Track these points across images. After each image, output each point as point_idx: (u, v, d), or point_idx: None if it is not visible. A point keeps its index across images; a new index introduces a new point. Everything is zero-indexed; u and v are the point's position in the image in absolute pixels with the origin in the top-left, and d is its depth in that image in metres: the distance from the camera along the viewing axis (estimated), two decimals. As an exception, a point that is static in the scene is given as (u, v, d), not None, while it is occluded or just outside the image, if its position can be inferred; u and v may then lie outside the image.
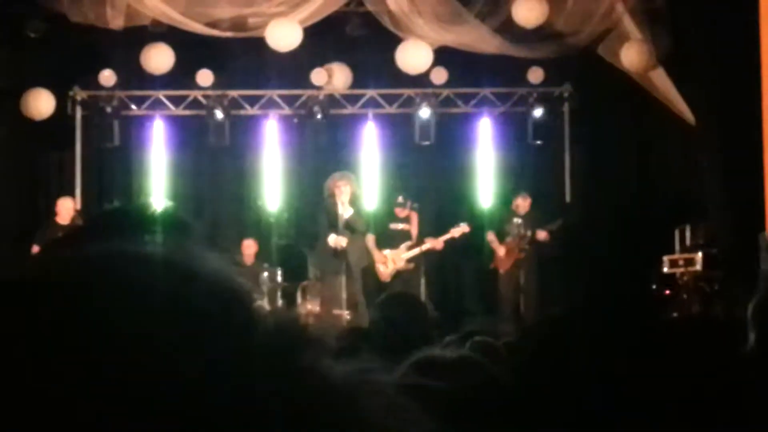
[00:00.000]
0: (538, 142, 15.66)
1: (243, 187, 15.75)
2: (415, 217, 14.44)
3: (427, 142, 15.54)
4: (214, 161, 15.80)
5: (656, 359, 2.29)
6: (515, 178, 15.32)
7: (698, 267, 13.19)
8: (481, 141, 15.80)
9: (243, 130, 15.66)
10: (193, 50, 14.88)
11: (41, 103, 14.79)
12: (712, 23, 13.26)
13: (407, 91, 15.58)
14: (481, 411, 2.28)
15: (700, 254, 13.25)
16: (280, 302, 14.07)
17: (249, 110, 15.77)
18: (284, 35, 14.04)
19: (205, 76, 15.28)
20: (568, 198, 15.74)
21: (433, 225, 14.56)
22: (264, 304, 13.41)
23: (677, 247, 13.84)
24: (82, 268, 0.89)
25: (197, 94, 15.51)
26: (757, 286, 11.13)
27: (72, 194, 14.80)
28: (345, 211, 13.27)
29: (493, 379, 2.20)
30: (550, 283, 14.25)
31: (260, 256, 14.64)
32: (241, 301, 0.90)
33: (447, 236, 14.22)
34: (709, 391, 2.40)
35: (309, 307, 14.10)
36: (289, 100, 15.70)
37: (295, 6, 14.12)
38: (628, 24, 14.35)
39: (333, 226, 13.32)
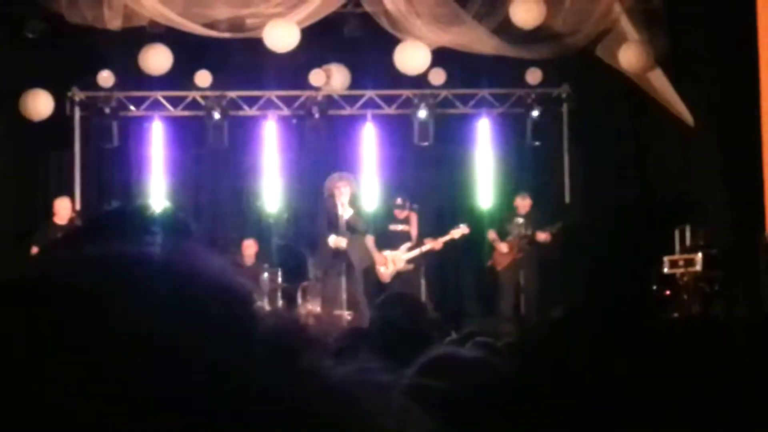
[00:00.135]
0: (537, 142, 15.65)
1: (242, 188, 15.75)
2: (414, 218, 14.45)
3: (425, 143, 15.54)
4: (213, 162, 15.80)
5: (656, 359, 2.28)
6: (514, 178, 15.31)
7: (698, 267, 13.18)
8: (480, 142, 15.80)
9: (241, 131, 15.65)
10: (191, 51, 14.88)
11: (40, 104, 14.79)
12: (710, 23, 13.27)
13: (406, 92, 15.58)
14: (481, 412, 2.28)
15: (700, 255, 13.25)
16: (280, 303, 14.07)
17: (247, 111, 15.77)
18: (282, 36, 14.04)
19: (203, 77, 15.28)
20: (567, 199, 15.74)
21: (433, 226, 14.57)
22: (264, 304, 13.41)
23: (677, 247, 13.84)
24: (80, 269, 0.89)
25: (196, 94, 15.51)
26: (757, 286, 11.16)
27: (71, 195, 14.79)
28: (345, 212, 13.27)
29: (503, 380, 2.19)
30: (550, 284, 14.25)
31: (260, 256, 14.64)
32: (242, 302, 0.90)
33: (446, 237, 14.22)
34: (709, 392, 2.39)
35: (309, 307, 14.10)
36: (288, 101, 15.70)
37: (292, 7, 14.12)
38: (626, 25, 14.35)
39: (333, 226, 13.32)
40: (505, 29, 14.30)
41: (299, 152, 15.67)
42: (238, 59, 15.32)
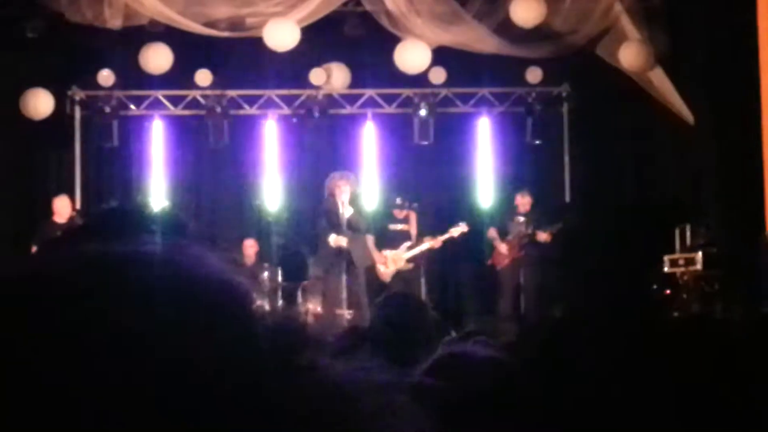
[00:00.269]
0: (537, 141, 15.66)
1: (242, 187, 15.75)
2: (413, 217, 14.45)
3: (425, 142, 15.54)
4: (213, 161, 15.81)
5: (657, 359, 2.28)
6: (514, 177, 15.31)
7: (698, 266, 13.18)
8: (480, 141, 15.81)
9: (242, 130, 15.65)
10: (191, 50, 14.88)
11: (40, 103, 14.79)
12: (711, 22, 13.27)
13: (406, 91, 15.58)
14: (479, 411, 2.28)
15: (700, 254, 13.25)
16: (280, 302, 14.07)
17: (248, 110, 15.77)
18: (282, 35, 14.04)
19: (203, 76, 15.27)
20: (567, 197, 15.74)
21: (433, 224, 14.56)
22: (264, 303, 13.38)
23: (677, 246, 13.83)
24: (77, 268, 0.88)
25: (196, 93, 15.51)
26: (757, 285, 11.16)
27: (71, 194, 14.79)
28: (345, 211, 13.26)
29: (510, 380, 2.20)
30: (550, 283, 14.24)
31: (261, 255, 14.64)
32: (241, 301, 0.90)
33: (446, 236, 14.22)
34: (709, 390, 2.39)
35: (310, 306, 14.11)
36: (288, 100, 15.70)
37: (293, 6, 14.12)
38: (626, 24, 14.35)
39: (334, 226, 13.30)
40: (506, 28, 14.30)
41: (299, 151, 15.67)
42: (239, 58, 15.32)
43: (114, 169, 15.67)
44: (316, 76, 15.21)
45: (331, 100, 15.58)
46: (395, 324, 4.68)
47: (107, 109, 15.20)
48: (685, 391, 2.29)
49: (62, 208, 13.96)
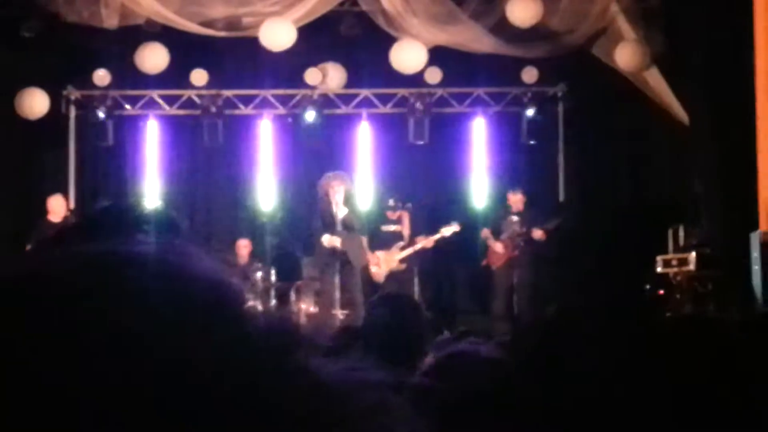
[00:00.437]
0: (532, 141, 15.67)
1: (237, 187, 15.75)
2: (406, 218, 14.44)
3: (421, 142, 15.54)
4: (208, 161, 15.80)
5: (650, 359, 2.29)
6: (509, 177, 15.30)
7: (692, 267, 13.18)
8: (475, 141, 15.81)
9: (237, 130, 15.65)
10: (187, 50, 14.87)
11: (35, 103, 14.77)
12: (707, 22, 13.27)
13: (401, 91, 15.58)
14: (480, 412, 2.28)
15: (693, 254, 13.24)
16: (273, 302, 14.07)
17: (243, 110, 15.76)
18: (278, 35, 14.03)
19: (199, 76, 15.27)
20: (561, 197, 15.75)
21: (428, 224, 14.56)
22: (257, 303, 13.39)
23: (671, 246, 13.83)
24: (69, 267, 0.89)
25: (191, 93, 15.51)
26: (750, 286, 11.16)
27: (65, 193, 14.77)
28: (340, 211, 13.25)
29: (514, 381, 2.20)
30: (544, 283, 14.24)
31: (254, 255, 14.64)
32: (233, 301, 0.90)
33: (438, 236, 14.22)
34: (704, 392, 2.40)
35: (303, 306, 14.11)
36: (283, 100, 15.70)
37: (289, 6, 14.11)
38: (623, 24, 14.35)
39: (328, 226, 13.29)
40: (502, 28, 14.29)
41: (295, 151, 15.67)
42: (234, 58, 15.32)
43: (109, 168, 15.66)
44: (312, 75, 15.21)
45: (326, 100, 15.58)
46: (388, 324, 4.69)
47: (102, 109, 15.20)
48: (680, 391, 2.29)
49: (57, 207, 13.95)
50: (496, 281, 14.45)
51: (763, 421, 2.45)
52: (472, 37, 14.40)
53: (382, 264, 14.09)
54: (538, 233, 14.25)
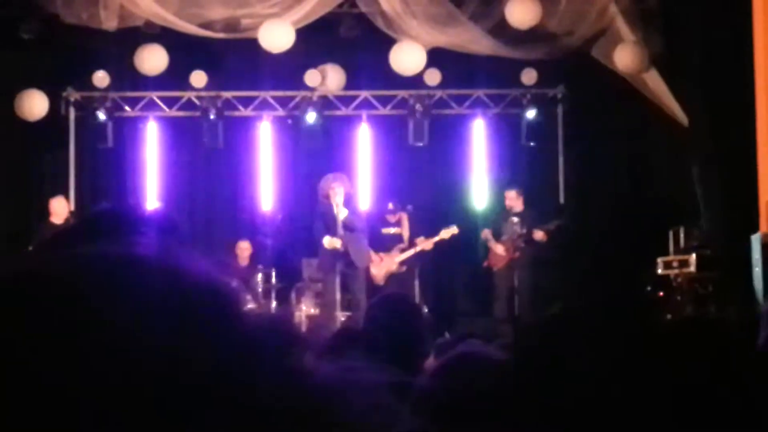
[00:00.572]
0: (532, 143, 15.67)
1: (237, 188, 15.75)
2: (405, 219, 14.45)
3: (420, 144, 15.55)
4: (208, 162, 15.81)
5: (651, 361, 2.28)
6: (508, 179, 15.30)
7: (692, 268, 13.18)
8: (475, 142, 15.81)
9: (236, 132, 15.66)
10: (186, 51, 14.87)
11: (35, 104, 14.78)
12: (706, 24, 13.27)
13: (401, 93, 15.59)
14: (483, 414, 2.28)
15: (694, 256, 13.24)
16: (274, 303, 14.08)
17: (242, 111, 15.77)
18: (277, 36, 14.03)
19: (198, 78, 15.27)
20: (561, 199, 15.75)
21: (428, 226, 14.55)
22: (257, 305, 13.40)
23: (671, 248, 13.83)
24: (68, 268, 0.88)
25: (191, 95, 15.51)
26: (751, 287, 11.15)
27: (65, 195, 14.77)
28: (340, 212, 13.26)
29: (523, 383, 2.20)
30: (544, 284, 14.23)
31: (255, 257, 14.64)
32: (231, 303, 0.90)
33: (437, 238, 14.22)
34: (705, 393, 2.39)
35: (304, 308, 14.11)
36: (283, 102, 15.71)
37: (288, 7, 14.11)
38: (622, 25, 14.35)
39: (330, 227, 13.30)
40: (501, 30, 14.29)
41: (294, 152, 15.68)
42: (234, 60, 15.32)
43: (109, 170, 15.65)
44: (311, 77, 15.21)
45: (326, 102, 15.59)
46: (387, 325, 4.68)
47: (102, 111, 15.20)
48: (681, 392, 2.29)
49: (59, 209, 13.95)
50: (497, 282, 14.45)
51: (763, 423, 2.44)
52: (471, 39, 14.40)
53: (382, 266, 14.09)
54: (539, 234, 14.24)
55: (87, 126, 15.42)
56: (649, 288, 13.57)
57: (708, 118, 13.62)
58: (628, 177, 15.57)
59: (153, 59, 14.83)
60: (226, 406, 0.83)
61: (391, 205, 14.43)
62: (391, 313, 4.85)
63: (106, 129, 15.29)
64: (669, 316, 11.91)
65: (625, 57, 14.22)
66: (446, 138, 15.73)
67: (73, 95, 15.41)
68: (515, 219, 14.41)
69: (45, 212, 14.11)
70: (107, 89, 15.25)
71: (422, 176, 15.73)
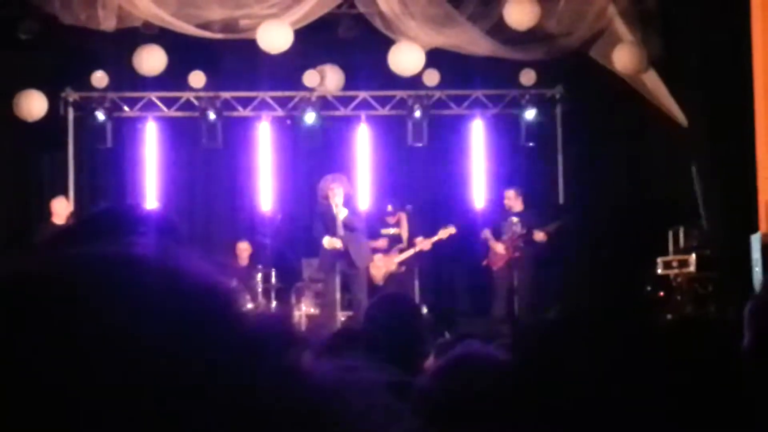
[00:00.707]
0: (531, 143, 15.68)
1: (236, 189, 15.76)
2: (404, 220, 14.46)
3: (419, 144, 15.56)
4: (207, 162, 15.81)
5: (651, 361, 2.28)
6: (507, 179, 15.31)
7: (692, 268, 13.19)
8: (474, 143, 15.82)
9: (235, 132, 15.66)
10: (185, 52, 14.88)
11: (33, 105, 14.78)
12: (704, 24, 13.28)
13: (400, 93, 15.60)
14: (476, 412, 2.28)
15: (693, 256, 13.26)
16: (273, 303, 14.09)
17: (241, 112, 15.77)
18: (275, 37, 14.03)
19: (197, 78, 15.28)
20: (560, 199, 15.75)
21: (426, 226, 14.57)
22: (257, 305, 13.42)
23: (671, 248, 13.84)
24: (66, 269, 0.88)
25: (190, 95, 15.51)
26: (751, 287, 11.16)
27: (65, 195, 14.77)
28: (340, 213, 13.27)
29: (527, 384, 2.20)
30: (544, 285, 14.24)
31: (254, 257, 14.64)
32: (230, 303, 0.90)
33: (435, 238, 14.24)
34: (704, 393, 2.39)
35: (304, 308, 14.13)
36: (282, 102, 15.71)
37: (286, 8, 14.11)
38: (620, 26, 14.36)
39: (330, 228, 13.31)
40: (499, 30, 14.30)
41: (293, 153, 15.68)
42: (232, 60, 15.33)
43: (108, 170, 15.66)
44: (310, 78, 15.22)
45: (324, 102, 15.59)
46: (388, 325, 4.68)
47: (101, 111, 15.20)
48: (681, 392, 2.29)
49: (60, 210, 13.95)
50: (496, 282, 14.45)
51: (763, 423, 2.44)
52: (469, 40, 14.41)
53: (381, 267, 14.11)
54: (539, 235, 14.25)
55: (86, 126, 15.43)
56: (648, 288, 13.58)
57: (707, 119, 13.63)
58: (627, 177, 15.58)
59: (152, 60, 14.84)
60: (225, 407, 0.83)
61: (390, 207, 14.45)
62: (391, 313, 4.85)
63: (105, 129, 15.29)
64: (669, 316, 11.92)
65: (623, 57, 14.23)
66: (445, 138, 15.74)
67: (72, 95, 15.41)
68: (515, 219, 14.42)
69: (44, 212, 14.12)
70: (106, 89, 15.25)
71: (421, 176, 15.74)
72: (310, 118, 15.35)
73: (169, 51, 14.78)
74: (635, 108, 14.70)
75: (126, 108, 15.64)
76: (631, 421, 2.09)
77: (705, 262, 13.14)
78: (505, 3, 14.05)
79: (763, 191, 11.72)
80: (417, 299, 13.46)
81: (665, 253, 13.74)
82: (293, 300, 14.24)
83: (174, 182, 15.58)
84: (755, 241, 11.41)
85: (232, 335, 0.87)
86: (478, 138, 15.82)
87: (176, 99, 15.62)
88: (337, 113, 15.78)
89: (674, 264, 13.39)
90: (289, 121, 15.69)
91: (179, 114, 15.70)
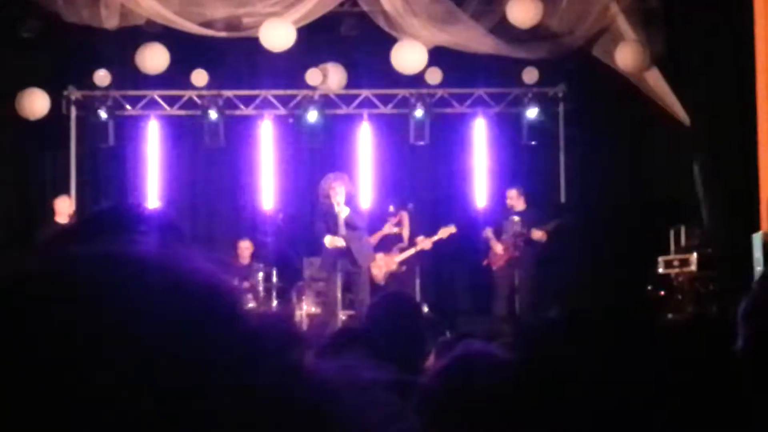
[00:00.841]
0: (533, 142, 15.67)
1: (238, 187, 15.75)
2: (406, 219, 14.46)
3: (421, 143, 15.56)
4: (209, 161, 15.81)
5: (652, 360, 2.28)
6: (509, 178, 15.30)
7: (693, 267, 13.18)
8: (476, 141, 15.82)
9: (238, 130, 15.66)
10: (187, 50, 14.88)
11: (36, 103, 14.78)
12: (707, 23, 13.28)
13: (402, 92, 15.59)
14: (480, 412, 2.28)
15: (695, 255, 13.24)
16: (274, 302, 14.08)
17: (244, 110, 15.77)
18: (278, 35, 14.03)
19: (199, 76, 15.27)
20: (563, 198, 15.74)
21: (429, 224, 14.57)
22: (258, 304, 13.41)
23: (672, 247, 13.83)
24: (67, 268, 0.88)
25: (192, 94, 15.51)
26: (751, 286, 11.14)
27: (67, 194, 14.77)
28: (342, 211, 13.26)
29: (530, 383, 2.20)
30: (545, 284, 14.23)
31: (256, 256, 14.63)
32: (231, 302, 0.90)
33: (435, 237, 14.23)
34: (704, 393, 2.40)
35: (305, 307, 14.12)
36: (284, 100, 15.71)
37: (289, 6, 14.11)
38: (623, 24, 14.35)
39: (331, 227, 13.30)
40: (502, 28, 14.30)
41: (295, 151, 15.68)
42: (235, 58, 15.33)
43: (110, 169, 15.67)
44: (313, 76, 15.21)
45: (327, 101, 15.58)
46: (389, 324, 4.68)
47: (103, 109, 15.20)
48: (682, 391, 2.29)
49: (64, 209, 13.95)
50: (496, 281, 14.45)
51: (761, 422, 2.45)
52: (472, 38, 14.40)
53: (382, 266, 14.11)
54: (537, 234, 14.24)
55: (88, 125, 15.43)
56: (650, 287, 13.57)
57: (709, 117, 13.62)
58: (629, 176, 15.57)
59: (154, 58, 14.84)
60: (227, 406, 0.83)
61: (392, 208, 14.44)
62: (392, 312, 4.85)
63: (107, 128, 15.29)
64: (670, 315, 11.92)
65: (626, 56, 14.22)
66: (447, 137, 15.73)
67: (75, 94, 15.41)
68: (516, 218, 14.41)
69: (46, 211, 14.12)
70: (108, 88, 15.25)
71: (423, 175, 15.74)
72: (312, 116, 15.35)
73: (171, 49, 14.78)
74: (637, 106, 14.69)
75: (128, 106, 15.64)
76: (632, 421, 2.09)
77: (706, 261, 13.13)
78: (507, 1, 14.05)
79: (765, 190, 11.71)
80: (418, 298, 13.46)
81: (666, 252, 13.73)
82: (294, 299, 14.23)
83: (176, 180, 15.58)
84: (757, 239, 11.40)
85: (234, 334, 0.87)
86: (480, 136, 15.81)
87: (178, 97, 15.62)
88: (339, 111, 15.78)
89: (675, 263, 13.38)
90: (291, 120, 15.68)
91: (181, 112, 15.69)
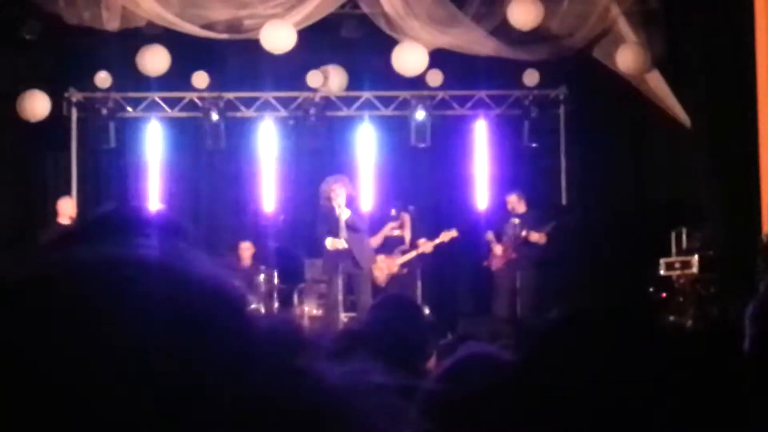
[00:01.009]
0: (534, 144, 15.66)
1: (239, 189, 15.75)
2: (407, 221, 14.46)
3: (422, 145, 15.55)
4: (210, 163, 15.81)
5: (653, 363, 2.28)
6: (511, 180, 15.30)
7: (695, 270, 13.17)
8: (477, 143, 15.81)
9: (238, 132, 15.65)
10: (188, 52, 14.88)
11: (37, 105, 14.78)
12: (708, 25, 13.28)
13: (403, 94, 15.59)
14: (484, 414, 2.28)
15: (696, 257, 13.24)
16: (276, 304, 14.07)
17: (245, 112, 15.77)
18: (278, 37, 14.03)
19: (200, 78, 15.28)
20: (563, 200, 15.74)
21: (430, 227, 14.57)
22: (260, 306, 13.41)
23: (674, 249, 13.83)
24: (70, 270, 0.88)
25: (193, 96, 15.51)
26: (754, 288, 11.14)
27: (68, 196, 14.76)
28: (343, 213, 13.26)
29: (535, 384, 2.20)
30: (546, 285, 14.23)
31: (257, 258, 14.63)
32: (235, 304, 0.90)
33: (437, 241, 14.23)
34: (707, 395, 2.40)
35: (306, 309, 14.11)
36: (285, 102, 15.71)
37: (290, 8, 14.12)
38: (624, 26, 14.35)
39: (333, 229, 13.30)
40: (503, 31, 14.30)
41: (296, 153, 15.68)
42: (236, 60, 15.33)
43: (111, 171, 15.66)
44: (313, 78, 15.21)
45: (328, 103, 15.58)
46: (390, 326, 4.68)
47: (104, 111, 15.20)
48: (683, 392, 2.29)
49: (67, 210, 13.94)
50: (497, 283, 14.45)
51: (763, 424, 2.45)
52: (473, 40, 14.41)
53: (384, 268, 14.11)
54: (535, 236, 14.24)
55: (89, 127, 15.42)
56: (651, 289, 13.56)
57: (710, 119, 13.62)
58: (630, 178, 15.57)
59: (155, 60, 14.84)
60: (232, 409, 0.83)
61: (393, 212, 14.45)
62: (393, 314, 4.84)
63: (108, 130, 15.28)
64: (671, 318, 11.92)
65: (627, 58, 14.22)
66: (448, 139, 15.73)
67: (75, 96, 15.41)
68: (516, 220, 14.41)
69: (47, 213, 14.12)
70: (109, 90, 15.25)
71: (424, 177, 15.73)
72: (313, 118, 15.35)
73: (172, 51, 14.78)
74: (638, 108, 14.69)
75: (129, 108, 15.63)
76: (632, 421, 2.09)
77: (708, 263, 13.13)
78: (508, 3, 14.05)
79: (767, 192, 11.71)
80: (419, 300, 13.46)
81: (668, 254, 13.72)
82: (296, 301, 14.23)
83: (177, 182, 15.58)
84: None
85: (239, 337, 0.87)
86: (481, 138, 15.81)
87: (179, 99, 15.62)
88: (340, 113, 15.78)
89: (677, 265, 13.38)
90: (292, 122, 15.68)
91: (182, 114, 15.69)
